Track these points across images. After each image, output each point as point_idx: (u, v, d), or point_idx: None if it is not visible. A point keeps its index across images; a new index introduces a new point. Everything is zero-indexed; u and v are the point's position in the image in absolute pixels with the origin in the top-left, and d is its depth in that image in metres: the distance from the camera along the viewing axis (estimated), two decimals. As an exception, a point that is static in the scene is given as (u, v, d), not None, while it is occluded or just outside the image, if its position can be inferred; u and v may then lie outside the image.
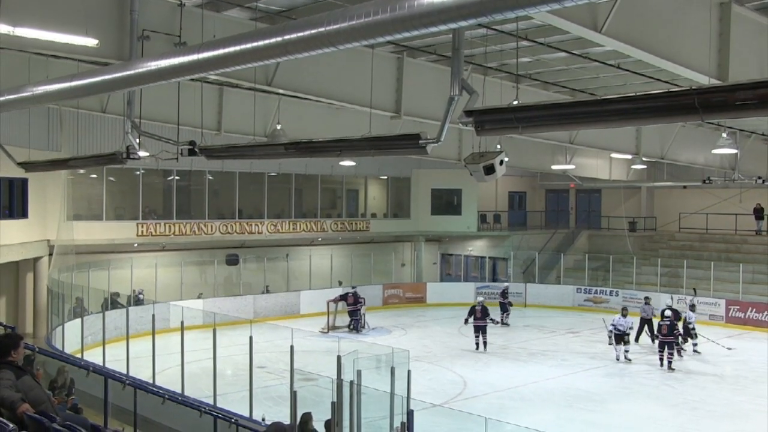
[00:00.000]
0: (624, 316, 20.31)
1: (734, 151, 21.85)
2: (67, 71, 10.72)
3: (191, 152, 12.57)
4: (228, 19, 11.35)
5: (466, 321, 22.73)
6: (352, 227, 32.82)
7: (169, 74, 8.12)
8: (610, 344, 20.63)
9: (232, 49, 7.23)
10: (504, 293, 27.29)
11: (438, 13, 5.33)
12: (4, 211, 22.21)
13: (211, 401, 13.79)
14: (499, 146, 15.84)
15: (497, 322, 24.35)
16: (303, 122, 18.34)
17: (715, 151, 21.23)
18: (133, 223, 26.39)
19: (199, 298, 25.71)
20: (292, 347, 12.88)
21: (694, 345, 21.43)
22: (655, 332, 21.38)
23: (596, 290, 30.12)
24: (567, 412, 15.91)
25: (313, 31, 6.33)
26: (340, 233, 32.15)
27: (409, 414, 10.35)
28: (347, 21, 6.01)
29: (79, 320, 20.02)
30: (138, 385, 13.01)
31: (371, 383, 10.68)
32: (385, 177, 34.46)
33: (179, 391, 14.43)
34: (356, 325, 24.97)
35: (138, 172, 26.59)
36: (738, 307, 26.28)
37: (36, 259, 23.69)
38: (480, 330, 22.28)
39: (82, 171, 25.07)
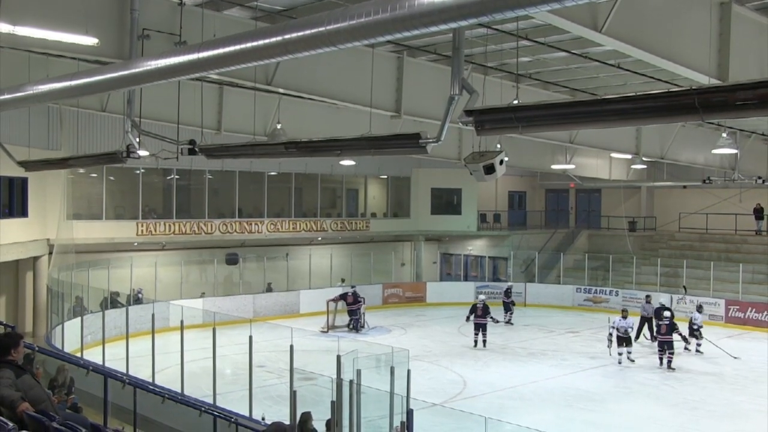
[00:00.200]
0: (624, 317, 20.13)
1: (734, 151, 21.85)
2: (67, 70, 10.72)
3: (191, 151, 12.59)
4: (228, 19, 11.35)
5: (468, 318, 22.92)
6: (351, 227, 32.83)
7: (169, 73, 8.12)
8: (608, 347, 20.30)
9: (232, 48, 7.23)
10: (507, 293, 27.37)
11: (438, 12, 5.33)
12: (3, 210, 22.22)
13: (210, 400, 13.78)
14: (499, 146, 15.86)
15: (498, 321, 24.36)
16: (303, 122, 18.34)
17: (715, 151, 21.24)
18: (133, 223, 26.39)
19: (202, 296, 25.73)
20: (291, 346, 12.88)
21: (698, 345, 21.45)
22: (654, 333, 21.39)
23: (596, 290, 30.11)
24: (567, 411, 15.91)
25: (313, 31, 6.33)
26: (339, 232, 32.15)
27: (409, 413, 10.36)
28: (347, 20, 6.01)
29: (78, 319, 20.03)
30: (138, 384, 13.01)
31: (371, 383, 10.69)
32: (385, 176, 34.47)
33: (179, 390, 14.42)
34: (356, 324, 24.97)
35: (138, 171, 26.59)
36: (738, 307, 26.27)
37: (36, 258, 23.69)
38: (480, 328, 22.46)
39: (81, 170, 25.07)
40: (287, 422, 10.91)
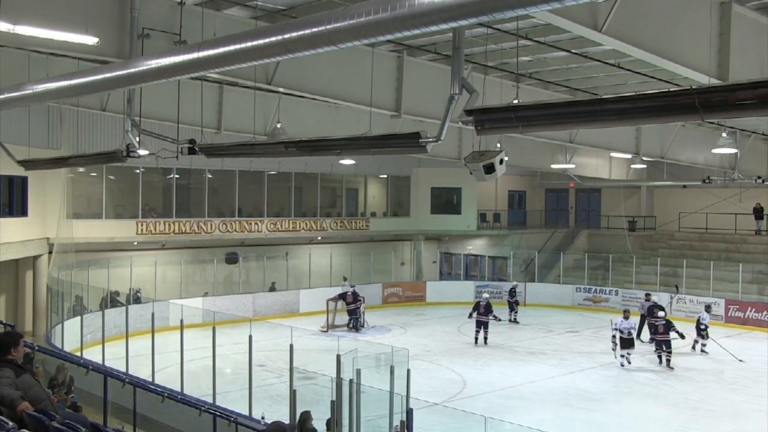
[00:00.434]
0: (626, 318, 19.92)
1: (734, 150, 21.85)
2: (67, 69, 10.71)
3: (191, 151, 12.59)
4: (228, 18, 11.35)
5: (470, 315, 23.10)
6: (351, 226, 32.83)
7: (169, 72, 8.12)
8: (613, 349, 19.96)
9: (232, 47, 7.23)
10: (512, 292, 27.44)
11: (439, 12, 5.33)
12: (3, 209, 22.23)
13: (210, 400, 13.78)
14: (499, 145, 15.87)
15: (500, 319, 24.41)
16: (303, 121, 18.33)
17: (715, 151, 21.24)
18: (133, 222, 26.40)
19: (204, 296, 25.73)
20: (291, 346, 12.89)
21: (703, 345, 21.46)
22: (651, 332, 21.35)
23: (596, 289, 30.12)
24: (566, 411, 15.92)
25: (313, 30, 6.33)
26: (339, 232, 32.15)
27: (409, 413, 10.37)
28: (347, 20, 6.00)
29: (78, 318, 20.04)
30: (137, 384, 13.02)
31: (371, 382, 10.69)
32: (385, 176, 34.46)
33: (179, 389, 14.42)
34: (356, 323, 24.98)
35: (138, 171, 26.59)
36: (737, 306, 26.28)
37: (36, 257, 23.70)
38: (482, 325, 22.69)
39: (81, 169, 25.07)
40: (287, 421, 10.91)
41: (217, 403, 13.55)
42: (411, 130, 8.82)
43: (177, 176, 27.84)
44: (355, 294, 25.22)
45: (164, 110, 15.24)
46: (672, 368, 19.43)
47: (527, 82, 16.68)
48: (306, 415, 10.93)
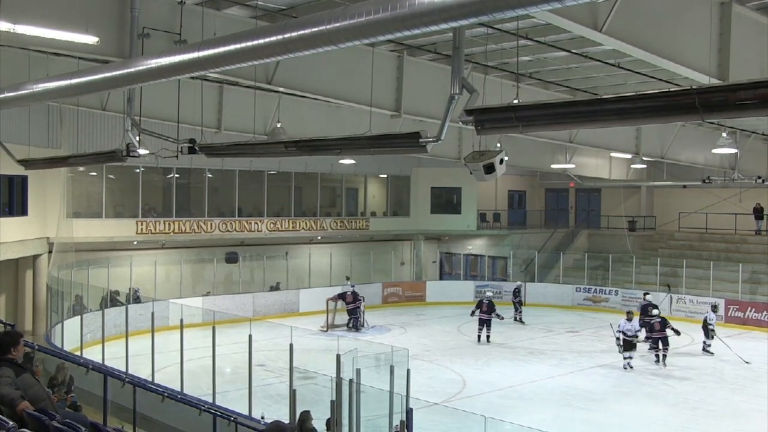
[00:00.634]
0: (629, 320, 19.78)
1: (734, 150, 21.84)
2: (67, 69, 10.71)
3: (191, 150, 12.59)
4: (228, 17, 11.35)
5: (473, 313, 23.26)
6: (351, 226, 32.82)
7: (169, 72, 8.12)
8: (620, 352, 19.66)
9: (232, 47, 7.23)
10: (516, 292, 27.48)
11: (439, 11, 5.33)
12: (3, 209, 22.22)
13: (210, 399, 13.78)
14: (499, 145, 15.87)
15: (503, 318, 24.43)
16: (303, 120, 18.33)
17: (715, 151, 21.23)
18: (133, 221, 26.39)
19: (206, 295, 25.73)
20: (291, 345, 12.89)
21: (708, 345, 21.46)
22: (647, 332, 21.28)
23: (596, 289, 30.12)
24: (566, 411, 15.92)
25: (313, 30, 6.33)
26: (339, 231, 32.15)
27: (409, 412, 10.38)
28: (348, 19, 6.00)
29: (78, 318, 20.04)
30: (137, 383, 13.02)
31: (370, 382, 10.70)
32: (385, 175, 34.46)
33: (178, 388, 14.43)
34: (355, 323, 24.98)
35: (138, 170, 26.58)
36: (737, 306, 26.28)
37: (35, 257, 23.69)
38: (485, 323, 22.86)
39: (81, 168, 25.05)
40: (287, 421, 10.91)
41: (217, 403, 13.55)
42: (411, 129, 8.82)
43: (177, 176, 27.83)
44: (354, 294, 25.23)
45: (164, 110, 15.24)
46: (665, 365, 19.42)
47: (527, 82, 16.67)
48: (306, 415, 10.93)
